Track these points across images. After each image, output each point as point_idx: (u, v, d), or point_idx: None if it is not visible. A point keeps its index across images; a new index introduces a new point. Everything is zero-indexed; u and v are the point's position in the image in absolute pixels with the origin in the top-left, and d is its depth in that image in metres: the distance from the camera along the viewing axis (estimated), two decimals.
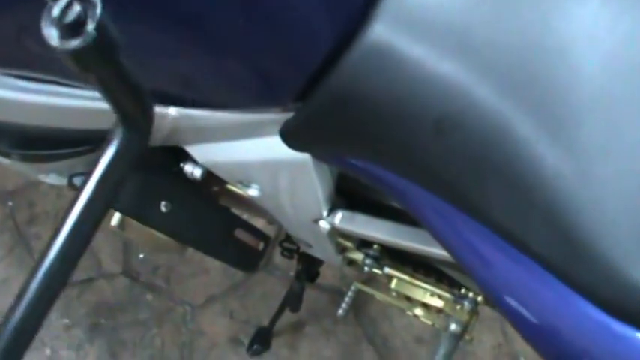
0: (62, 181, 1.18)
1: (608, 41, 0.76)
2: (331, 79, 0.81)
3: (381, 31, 0.78)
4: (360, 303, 1.93)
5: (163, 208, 1.18)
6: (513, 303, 0.81)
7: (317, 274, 1.70)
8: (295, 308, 1.76)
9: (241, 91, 0.89)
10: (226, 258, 1.33)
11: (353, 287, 1.44)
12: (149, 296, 2.01)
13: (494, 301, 0.83)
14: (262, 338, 1.84)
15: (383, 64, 0.79)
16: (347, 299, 1.44)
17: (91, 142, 1.07)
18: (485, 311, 1.57)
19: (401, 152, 0.84)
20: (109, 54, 0.58)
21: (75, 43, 0.53)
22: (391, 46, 0.78)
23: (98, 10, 0.53)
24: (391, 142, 0.84)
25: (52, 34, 0.53)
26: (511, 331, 1.84)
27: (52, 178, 1.22)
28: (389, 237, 1.10)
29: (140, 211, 1.17)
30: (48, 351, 1.91)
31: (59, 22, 0.53)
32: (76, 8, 0.52)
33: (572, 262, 0.73)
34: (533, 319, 0.80)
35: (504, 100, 0.75)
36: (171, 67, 0.86)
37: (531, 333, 0.82)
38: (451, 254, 0.89)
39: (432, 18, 0.78)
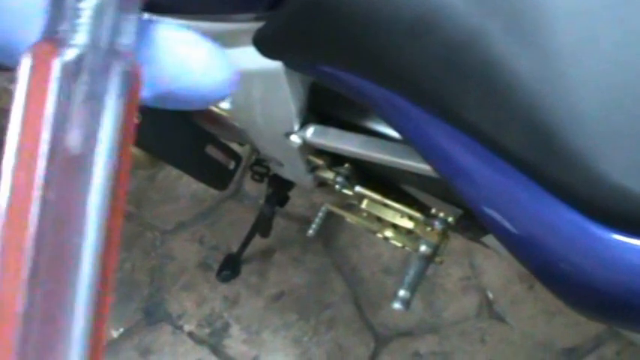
0: None
1: None
2: None
3: None
4: (330, 232, 1.91)
5: (135, 119, 1.14)
6: (492, 210, 0.80)
7: (287, 198, 1.68)
8: (265, 233, 1.73)
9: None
10: (196, 173, 1.30)
11: (323, 208, 1.41)
12: None
13: (474, 208, 0.81)
14: (231, 264, 1.83)
15: None
16: (317, 220, 1.42)
17: None
18: (454, 244, 1.56)
19: (376, 57, 0.82)
20: None
21: None
22: None
23: None
24: (366, 46, 0.81)
25: None
26: (479, 264, 1.85)
27: None
28: (362, 150, 1.07)
29: None
30: None
31: None
32: None
33: (547, 161, 0.72)
34: (512, 225, 0.78)
35: (477, 4, 0.73)
36: None
37: (510, 238, 0.80)
38: (430, 163, 0.86)
39: None
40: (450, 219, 1.23)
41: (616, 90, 0.70)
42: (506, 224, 0.78)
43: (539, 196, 0.74)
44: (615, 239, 0.70)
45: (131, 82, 0.26)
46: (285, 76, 0.99)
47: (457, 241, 1.38)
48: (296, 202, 1.83)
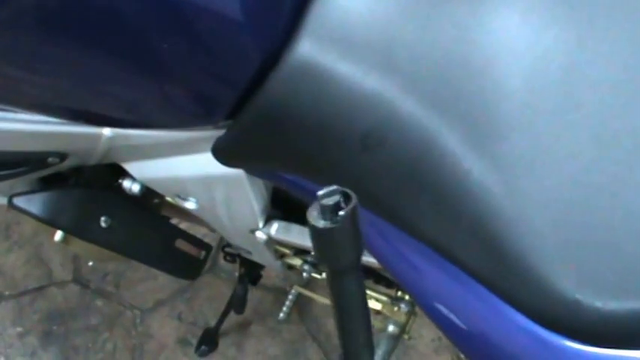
0: (2, 200, 1.12)
1: (531, 55, 0.73)
2: (259, 97, 0.78)
3: (305, 49, 0.74)
4: (303, 302, 1.89)
5: (103, 224, 1.13)
6: (443, 313, 0.78)
7: (259, 276, 1.66)
8: (240, 310, 1.71)
9: (173, 112, 0.85)
10: (168, 268, 1.28)
11: (293, 291, 1.39)
12: (99, 302, 1.95)
13: (425, 311, 0.80)
14: (209, 339, 1.80)
15: (308, 81, 0.75)
16: (288, 303, 1.40)
17: (28, 163, 1.02)
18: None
19: (330, 167, 0.80)
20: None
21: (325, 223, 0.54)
22: (316, 63, 0.74)
23: (353, 202, 0.55)
24: (320, 157, 0.80)
25: (313, 214, 0.55)
26: None
27: None
28: None
29: (80, 228, 1.12)
30: (2, 359, 1.84)
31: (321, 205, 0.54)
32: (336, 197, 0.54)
33: (500, 272, 0.70)
34: (463, 329, 0.77)
35: (428, 115, 0.72)
36: (105, 91, 0.81)
37: (462, 342, 0.79)
38: (383, 265, 0.85)
39: (356, 35, 0.75)
40: None
41: (568, 203, 0.68)
42: (458, 327, 0.77)
43: (490, 300, 0.72)
44: (570, 347, 0.69)
45: None
46: (247, 180, 0.97)
47: None
48: (270, 274, 1.80)
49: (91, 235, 1.13)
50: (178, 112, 0.85)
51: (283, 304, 1.66)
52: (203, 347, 1.78)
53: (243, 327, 1.89)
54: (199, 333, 1.81)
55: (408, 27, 0.74)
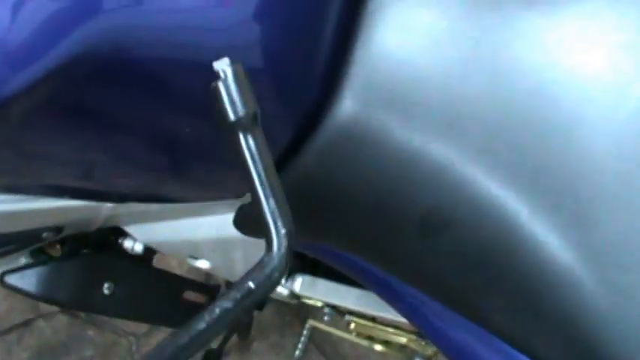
0: None
1: (622, 112, 0.59)
2: (294, 166, 0.66)
3: (348, 110, 0.63)
4: (306, 312, 1.78)
5: (106, 291, 1.00)
6: None
7: (264, 303, 1.55)
8: (244, 335, 1.60)
9: (196, 188, 0.73)
10: (176, 323, 1.16)
11: (307, 325, 1.28)
12: (91, 332, 1.82)
13: None
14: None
15: (352, 148, 0.64)
16: (303, 339, 1.29)
17: (20, 240, 0.89)
18: None
19: (376, 247, 0.70)
20: None
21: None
22: (361, 126, 0.63)
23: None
24: (365, 235, 0.69)
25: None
26: None
27: None
28: (356, 306, 0.95)
29: (82, 301, 1.00)
30: None
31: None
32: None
33: None
34: None
35: (503, 191, 0.60)
36: (126, 172, 0.69)
37: None
38: (440, 349, 0.74)
39: (409, 93, 0.63)
40: None
41: None
42: None
43: None
44: None
45: None
46: None
47: None
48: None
49: (94, 306, 1.01)
50: (201, 188, 0.74)
51: (284, 315, 1.56)
52: None
53: (245, 345, 1.78)
54: (199, 356, 1.70)
55: (472, 80, 0.61)
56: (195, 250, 0.95)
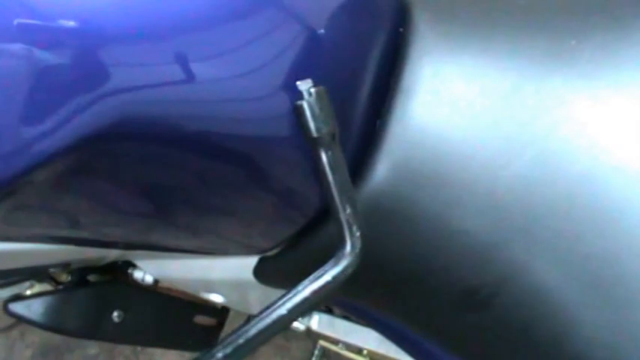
0: None
1: None
2: (326, 227, 0.63)
3: (381, 183, 0.58)
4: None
5: (116, 319, 0.95)
6: None
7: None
8: None
9: (219, 245, 0.69)
10: (186, 347, 1.12)
11: (319, 346, 1.24)
12: None
13: None
14: None
15: (385, 219, 0.59)
16: (314, 359, 1.25)
17: (20, 274, 0.84)
18: None
19: (410, 312, 0.65)
20: None
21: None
22: (394, 201, 0.59)
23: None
24: (400, 300, 0.64)
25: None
26: None
27: None
28: (377, 349, 0.90)
29: (90, 330, 0.95)
30: None
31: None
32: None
33: None
34: None
35: (551, 276, 0.56)
36: (148, 229, 0.65)
37: None
38: None
39: (451, 173, 0.58)
40: None
41: None
42: None
43: None
44: None
45: None
46: None
47: None
48: None
49: (103, 334, 0.96)
50: (225, 244, 0.69)
51: None
52: None
53: None
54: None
55: (517, 163, 0.57)
56: (208, 287, 0.90)
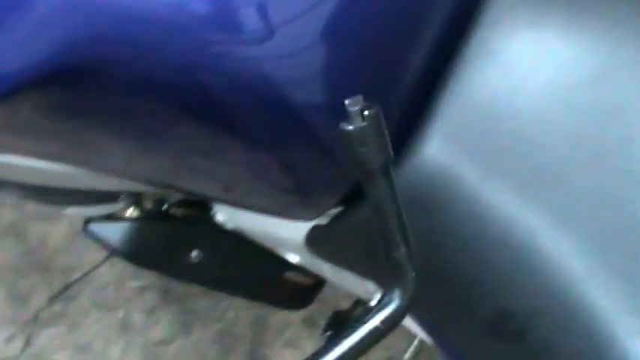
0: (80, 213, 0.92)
1: None
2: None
3: (433, 155, 0.53)
4: None
5: (194, 259, 0.90)
6: None
7: None
8: None
9: (276, 202, 0.68)
10: (273, 301, 1.06)
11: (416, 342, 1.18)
12: None
13: None
14: (339, 323, 1.58)
15: (429, 197, 0.55)
16: (411, 348, 1.19)
17: (96, 197, 0.81)
18: None
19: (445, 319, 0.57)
20: None
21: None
22: (442, 178, 0.53)
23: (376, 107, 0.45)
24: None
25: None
26: None
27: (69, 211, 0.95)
28: None
29: (165, 265, 0.91)
30: (121, 313, 1.69)
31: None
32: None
33: None
34: None
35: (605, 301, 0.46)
36: (218, 177, 0.65)
37: None
38: None
39: (506, 152, 0.51)
40: None
41: None
42: None
43: None
44: None
45: None
46: None
47: None
48: None
49: (178, 272, 0.93)
50: (281, 204, 0.67)
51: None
52: (330, 332, 1.57)
53: None
54: (328, 312, 1.60)
55: (577, 155, 0.49)
56: (283, 244, 0.84)
